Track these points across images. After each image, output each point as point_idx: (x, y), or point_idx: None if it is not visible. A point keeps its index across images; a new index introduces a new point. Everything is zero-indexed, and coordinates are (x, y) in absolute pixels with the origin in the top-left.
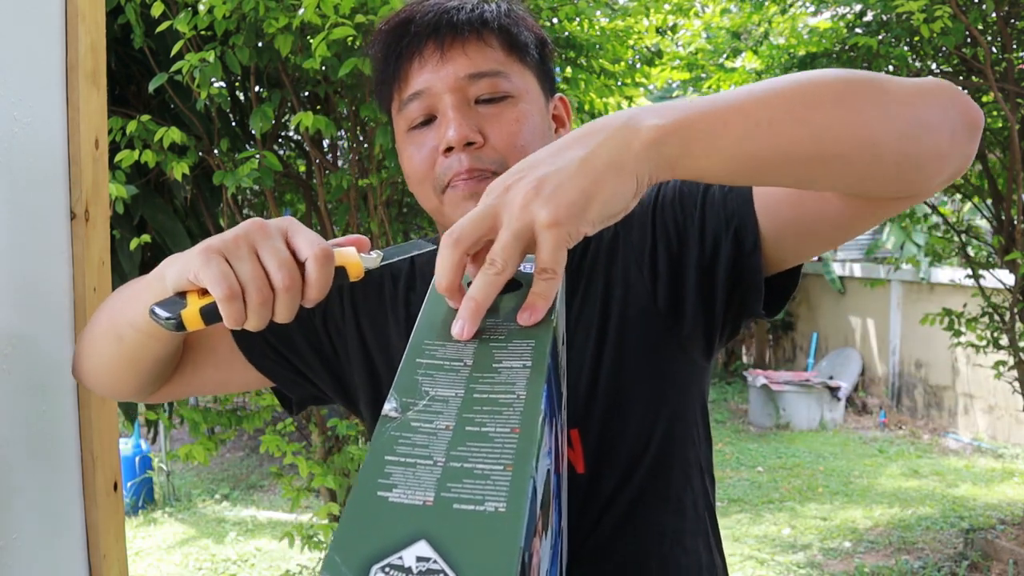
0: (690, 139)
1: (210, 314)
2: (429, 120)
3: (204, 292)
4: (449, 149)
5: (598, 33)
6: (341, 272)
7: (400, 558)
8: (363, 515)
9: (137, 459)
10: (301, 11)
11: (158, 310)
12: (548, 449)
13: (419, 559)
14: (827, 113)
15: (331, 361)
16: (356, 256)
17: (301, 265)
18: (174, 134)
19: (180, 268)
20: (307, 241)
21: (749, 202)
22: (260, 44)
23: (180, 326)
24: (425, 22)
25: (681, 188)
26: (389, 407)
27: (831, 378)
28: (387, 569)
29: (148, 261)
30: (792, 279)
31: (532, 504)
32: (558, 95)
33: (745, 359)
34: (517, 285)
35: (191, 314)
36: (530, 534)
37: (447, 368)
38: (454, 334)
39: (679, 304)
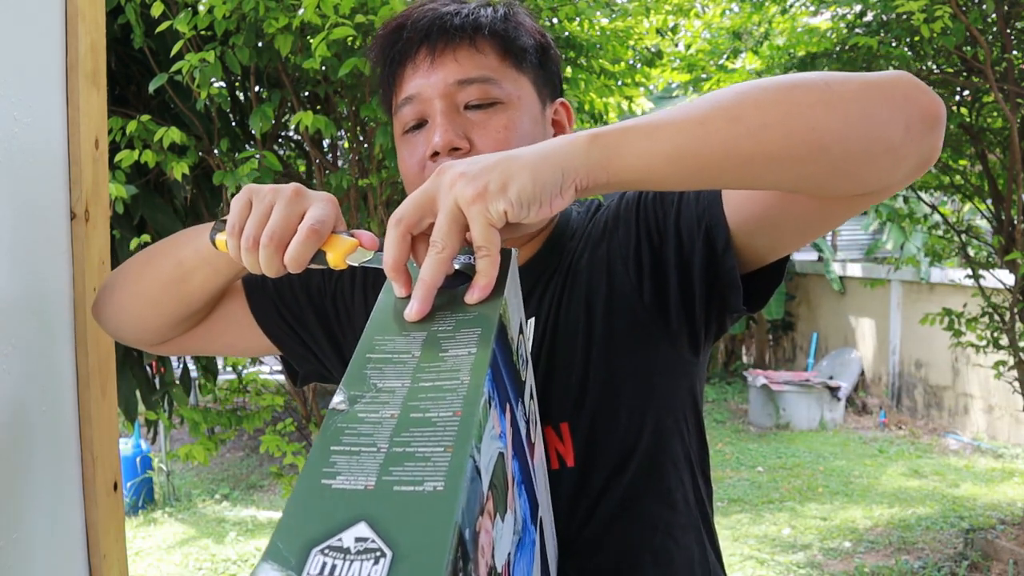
0: (621, 142)
1: None
2: (421, 124)
3: None
4: (436, 154)
5: (598, 33)
6: (322, 255)
7: (340, 540)
8: (306, 502)
9: (137, 459)
10: (301, 11)
11: (217, 225)
12: (498, 433)
13: (358, 539)
14: (764, 111)
15: (338, 342)
16: (346, 248)
17: None
18: (174, 134)
19: (235, 198)
20: (310, 217)
21: (718, 200)
22: (260, 44)
23: (214, 242)
24: (418, 28)
25: None
26: (337, 400)
27: (831, 378)
28: (326, 551)
29: None
30: (776, 273)
31: (473, 483)
32: (560, 100)
33: (745, 359)
34: (468, 280)
35: (222, 238)
36: (472, 512)
37: (395, 361)
38: (407, 316)
39: (663, 300)
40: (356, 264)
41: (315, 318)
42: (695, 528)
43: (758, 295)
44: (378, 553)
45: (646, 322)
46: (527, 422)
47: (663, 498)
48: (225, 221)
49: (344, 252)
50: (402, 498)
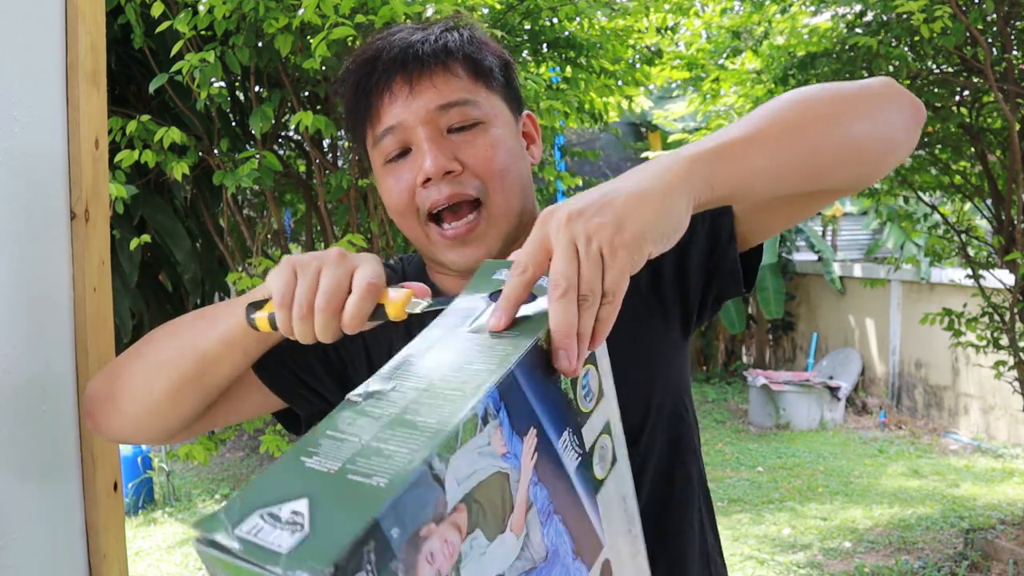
0: (718, 162)
1: (274, 321)
2: (405, 152)
3: None
4: (428, 180)
5: (598, 33)
6: (381, 309)
7: (280, 508)
8: (279, 471)
9: (137, 459)
10: (301, 11)
11: (249, 308)
12: (501, 453)
13: (293, 512)
14: (820, 127)
15: (342, 376)
16: (403, 299)
17: None
18: (174, 134)
19: (271, 273)
20: (362, 275)
21: None
22: (260, 44)
23: (254, 325)
24: (392, 57)
25: None
26: (355, 393)
27: (831, 378)
28: (265, 516)
29: (148, 261)
30: (759, 250)
31: (423, 488)
32: (525, 112)
33: (745, 359)
34: (532, 298)
35: (262, 317)
36: (412, 514)
37: (432, 356)
38: (489, 325)
39: (658, 287)
40: (417, 312)
41: (319, 363)
42: (696, 507)
43: (747, 275)
44: (299, 528)
45: (642, 310)
46: (581, 454)
47: (665, 477)
48: (258, 303)
49: (403, 303)
50: (349, 486)
